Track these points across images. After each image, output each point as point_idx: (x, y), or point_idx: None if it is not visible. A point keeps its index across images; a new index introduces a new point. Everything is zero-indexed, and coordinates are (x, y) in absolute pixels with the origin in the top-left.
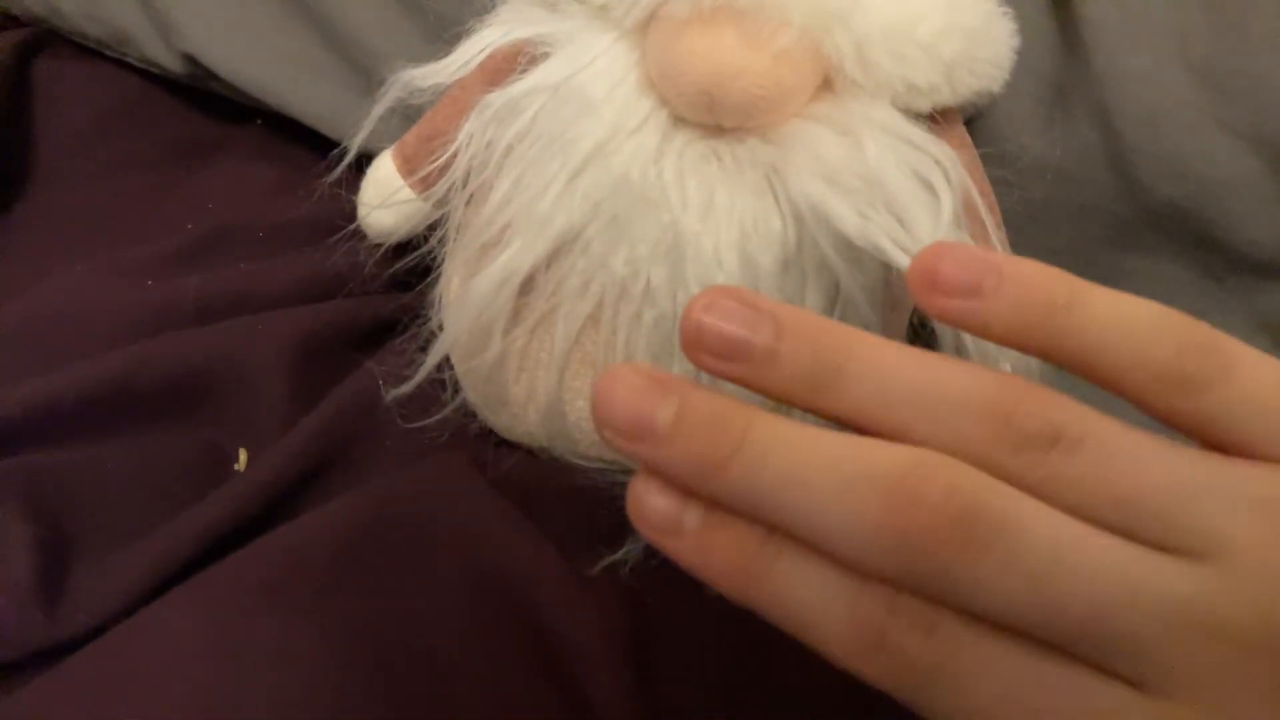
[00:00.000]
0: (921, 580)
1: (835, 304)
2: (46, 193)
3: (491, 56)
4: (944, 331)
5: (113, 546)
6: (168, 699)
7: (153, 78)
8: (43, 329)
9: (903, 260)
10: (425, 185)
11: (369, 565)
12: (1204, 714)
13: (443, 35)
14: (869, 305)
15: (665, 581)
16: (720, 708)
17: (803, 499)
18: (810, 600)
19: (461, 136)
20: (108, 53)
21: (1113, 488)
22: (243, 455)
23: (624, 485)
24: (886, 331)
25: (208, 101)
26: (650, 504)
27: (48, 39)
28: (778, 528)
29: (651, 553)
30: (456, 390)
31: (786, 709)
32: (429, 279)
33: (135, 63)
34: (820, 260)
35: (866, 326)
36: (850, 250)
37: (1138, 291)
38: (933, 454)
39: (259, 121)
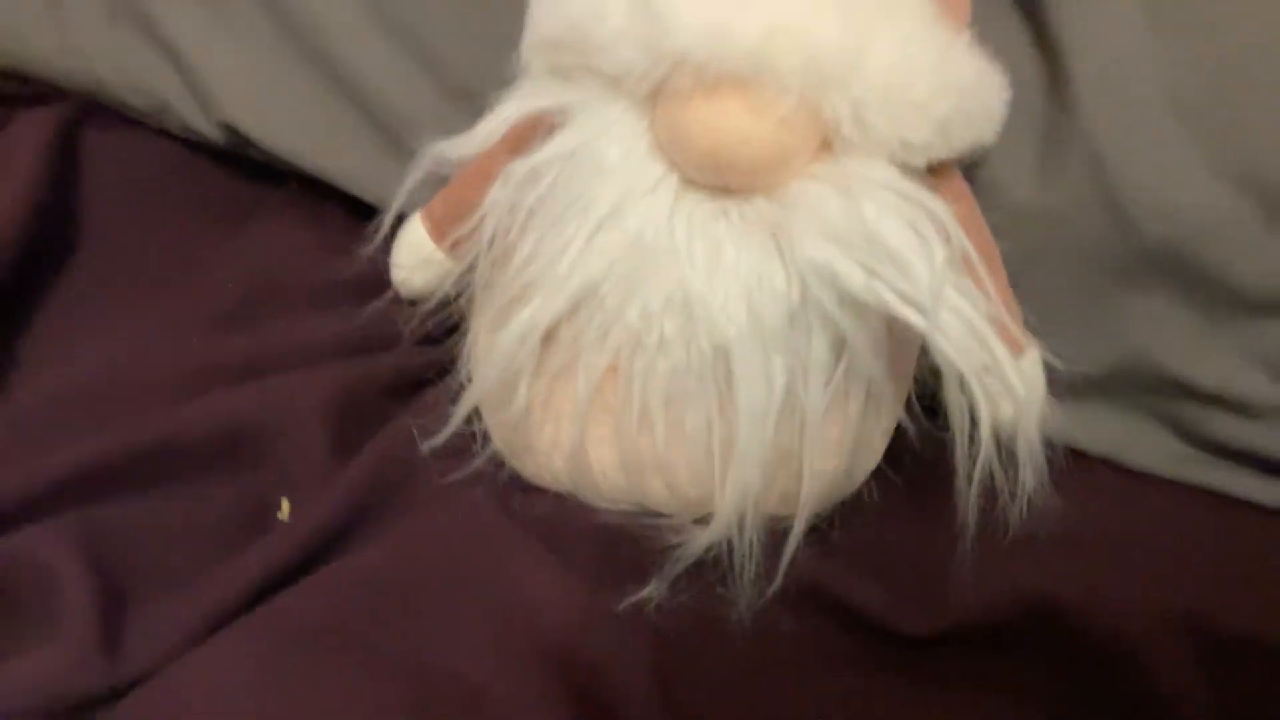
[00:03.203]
0: None
1: (841, 356)
2: (92, 256)
3: (513, 127)
4: (951, 385)
5: (167, 594)
6: None
7: (192, 142)
8: (94, 388)
9: (906, 313)
10: (454, 248)
11: (403, 604)
12: None
13: (465, 95)
14: (873, 355)
15: (689, 619)
16: None
17: None
18: None
19: (488, 203)
20: (149, 122)
21: None
22: (285, 505)
23: (647, 525)
24: (891, 380)
25: (244, 163)
26: None
27: (93, 109)
28: None
29: (676, 590)
30: (486, 440)
31: None
32: (457, 334)
33: (176, 131)
34: (825, 315)
35: (871, 376)
36: (854, 304)
37: (1137, 328)
38: None
39: (294, 184)
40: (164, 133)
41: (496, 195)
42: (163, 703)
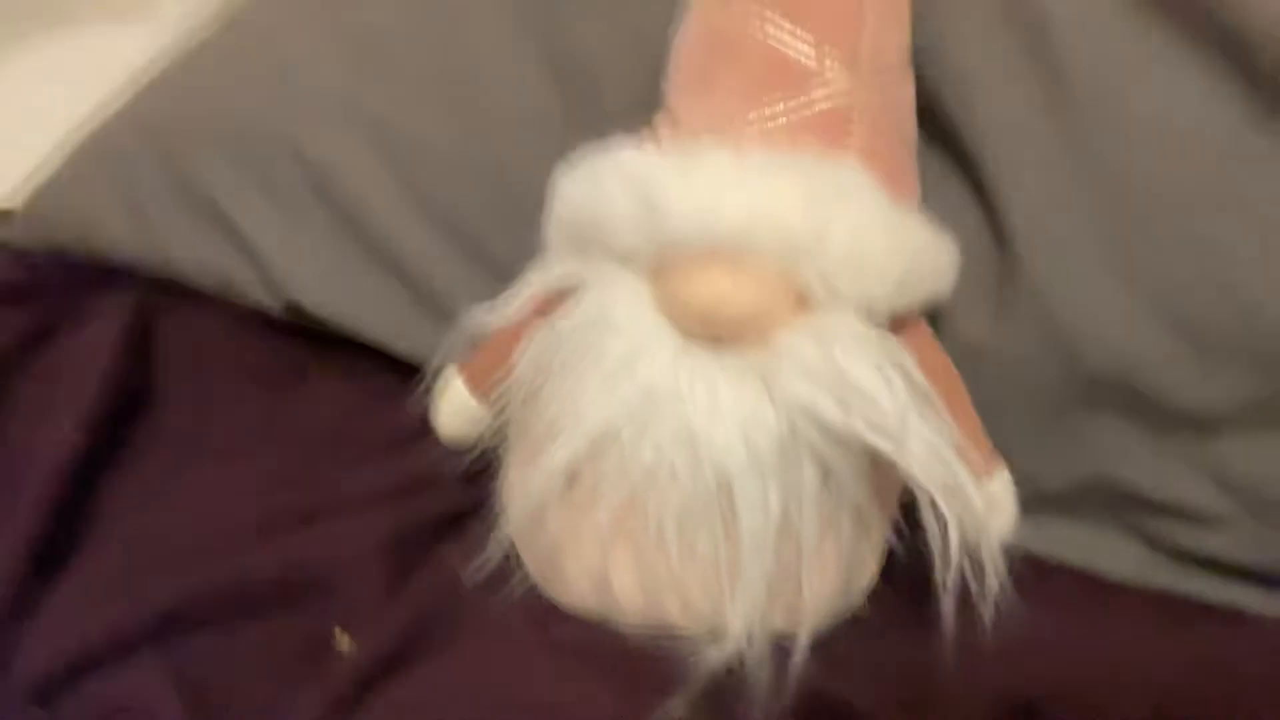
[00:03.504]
0: None
1: (829, 481)
2: (166, 420)
3: (539, 294)
4: (924, 504)
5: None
6: None
7: (248, 310)
8: (172, 538)
9: (878, 441)
10: (488, 398)
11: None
12: None
13: (495, 270)
14: (857, 480)
15: None
16: None
17: None
18: None
19: (518, 358)
20: (213, 296)
21: None
22: (344, 638)
23: (667, 644)
24: (876, 503)
25: (294, 328)
26: None
27: (169, 285)
28: None
29: (695, 703)
30: (521, 568)
31: None
32: (493, 473)
33: (237, 304)
34: (811, 446)
35: (857, 500)
36: (835, 436)
37: (1094, 447)
38: None
39: (339, 347)
40: (224, 302)
41: (526, 352)
42: None
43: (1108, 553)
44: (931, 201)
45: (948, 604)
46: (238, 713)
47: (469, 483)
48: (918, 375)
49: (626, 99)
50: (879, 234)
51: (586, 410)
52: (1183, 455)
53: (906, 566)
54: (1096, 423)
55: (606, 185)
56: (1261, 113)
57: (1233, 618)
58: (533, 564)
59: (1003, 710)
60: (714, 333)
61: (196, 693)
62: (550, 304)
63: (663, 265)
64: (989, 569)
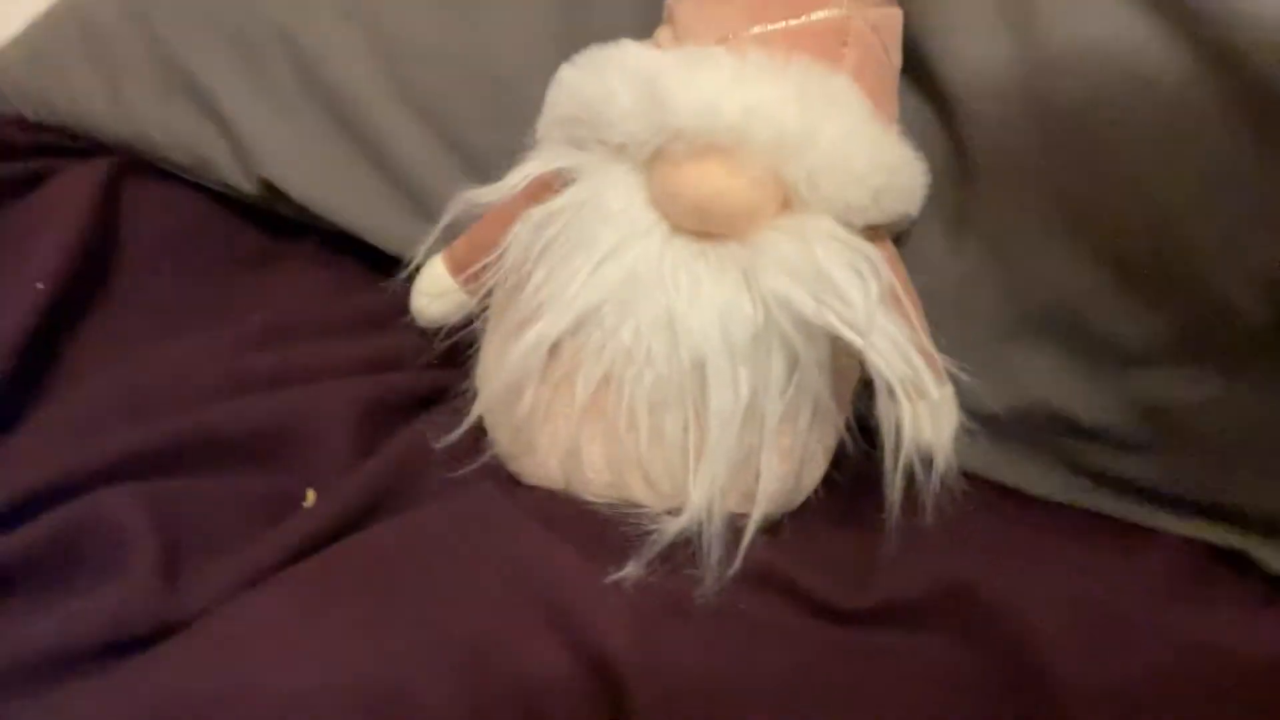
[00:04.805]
0: None
1: (794, 371)
2: (134, 289)
3: (531, 182)
4: (881, 396)
5: (211, 559)
6: (259, 657)
7: (222, 196)
8: (141, 391)
9: (848, 334)
10: (469, 282)
11: (417, 563)
12: None
13: (476, 164)
14: (819, 372)
15: (660, 595)
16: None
17: None
18: None
19: (509, 239)
20: (188, 177)
21: None
22: (310, 495)
23: (628, 514)
24: (834, 394)
25: (267, 218)
26: None
27: (135, 163)
28: None
29: (650, 570)
30: (490, 446)
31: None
32: (468, 355)
33: (212, 185)
34: (783, 335)
35: (817, 392)
36: (807, 328)
37: (1029, 374)
38: None
39: (313, 238)
40: (197, 186)
41: (518, 233)
42: (211, 633)
43: (1035, 474)
44: (905, 129)
45: (895, 490)
46: (199, 549)
47: (442, 366)
48: (888, 275)
49: (622, 15)
50: (863, 143)
51: (572, 290)
52: (1107, 385)
53: (855, 466)
54: (1036, 352)
55: (610, 79)
56: (1202, 74)
57: (1137, 531)
58: (503, 438)
59: (938, 590)
60: (703, 225)
61: (162, 524)
62: (540, 192)
63: (659, 158)
64: (939, 458)
